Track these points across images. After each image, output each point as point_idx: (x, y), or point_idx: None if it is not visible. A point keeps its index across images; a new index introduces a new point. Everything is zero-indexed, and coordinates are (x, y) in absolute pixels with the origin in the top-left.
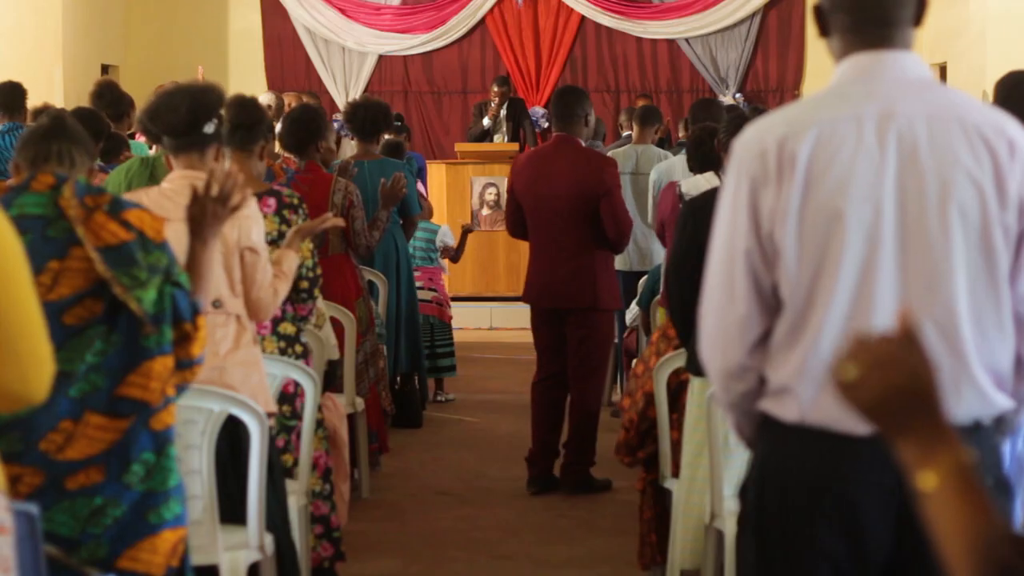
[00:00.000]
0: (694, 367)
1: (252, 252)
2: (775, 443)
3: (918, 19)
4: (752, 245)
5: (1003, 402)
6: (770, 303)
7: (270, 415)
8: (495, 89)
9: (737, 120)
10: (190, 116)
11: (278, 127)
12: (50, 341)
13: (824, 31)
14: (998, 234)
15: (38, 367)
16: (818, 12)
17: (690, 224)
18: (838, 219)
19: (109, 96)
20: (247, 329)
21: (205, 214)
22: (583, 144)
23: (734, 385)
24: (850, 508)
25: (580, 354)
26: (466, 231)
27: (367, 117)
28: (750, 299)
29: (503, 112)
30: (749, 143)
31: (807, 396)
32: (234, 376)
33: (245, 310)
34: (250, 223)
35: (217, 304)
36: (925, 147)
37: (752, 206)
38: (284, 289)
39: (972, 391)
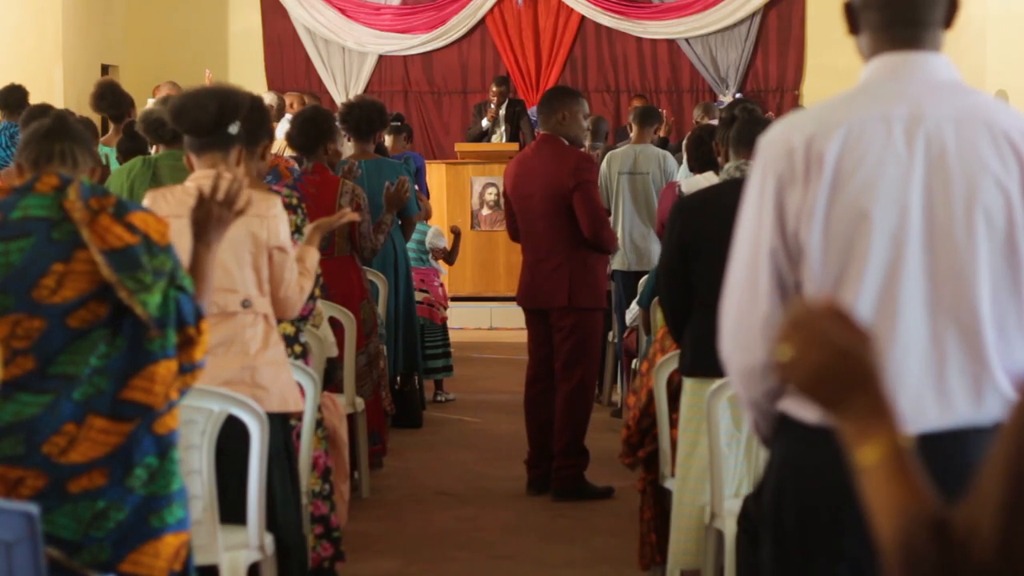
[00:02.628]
0: (685, 367)
1: (280, 251)
2: (795, 444)
3: (948, 21)
4: (777, 244)
5: None
6: None
7: (295, 415)
8: (494, 89)
9: (731, 118)
10: (218, 115)
11: (279, 127)
12: (54, 342)
13: (854, 29)
14: (1023, 239)
15: None
16: (848, 9)
17: (677, 224)
18: (864, 220)
19: (111, 97)
20: (274, 328)
21: (210, 217)
22: (565, 144)
23: (755, 384)
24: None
25: (561, 354)
26: (456, 233)
27: (362, 117)
28: (773, 298)
29: (502, 112)
30: (776, 141)
31: None
32: (265, 375)
33: (272, 309)
34: (278, 222)
35: (246, 304)
36: (953, 150)
37: (778, 205)
38: (309, 286)
39: (994, 394)
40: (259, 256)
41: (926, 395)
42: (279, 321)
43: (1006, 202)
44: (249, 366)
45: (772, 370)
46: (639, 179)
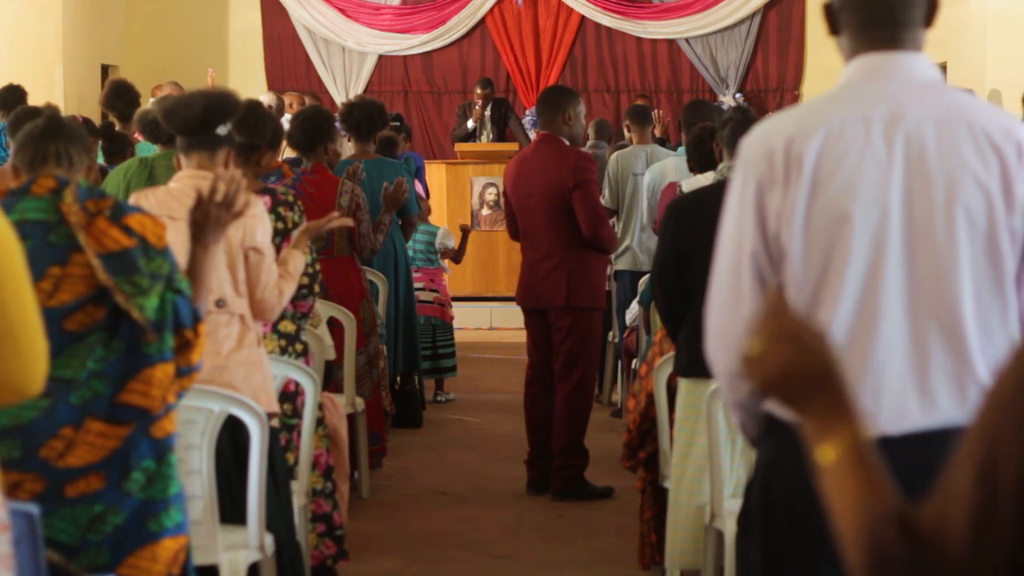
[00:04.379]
0: (680, 368)
1: (256, 252)
2: (780, 443)
3: (928, 20)
4: (758, 246)
5: None
6: None
7: (272, 415)
8: (478, 91)
9: (729, 120)
10: (205, 114)
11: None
12: (50, 346)
13: (834, 29)
14: (1005, 238)
15: (36, 361)
16: (828, 10)
17: (671, 226)
18: (845, 221)
19: (127, 96)
20: (251, 329)
21: (208, 218)
22: (565, 143)
23: (739, 385)
24: None
25: (560, 354)
26: (465, 231)
27: (362, 116)
28: (756, 300)
29: (487, 113)
30: (756, 144)
31: None
32: (236, 375)
33: (249, 310)
34: (255, 223)
35: (221, 304)
36: (933, 150)
37: (759, 207)
38: (290, 290)
39: (977, 393)
40: (234, 256)
41: (909, 395)
42: (279, 320)
43: (987, 201)
44: (220, 366)
45: (742, 365)
46: None
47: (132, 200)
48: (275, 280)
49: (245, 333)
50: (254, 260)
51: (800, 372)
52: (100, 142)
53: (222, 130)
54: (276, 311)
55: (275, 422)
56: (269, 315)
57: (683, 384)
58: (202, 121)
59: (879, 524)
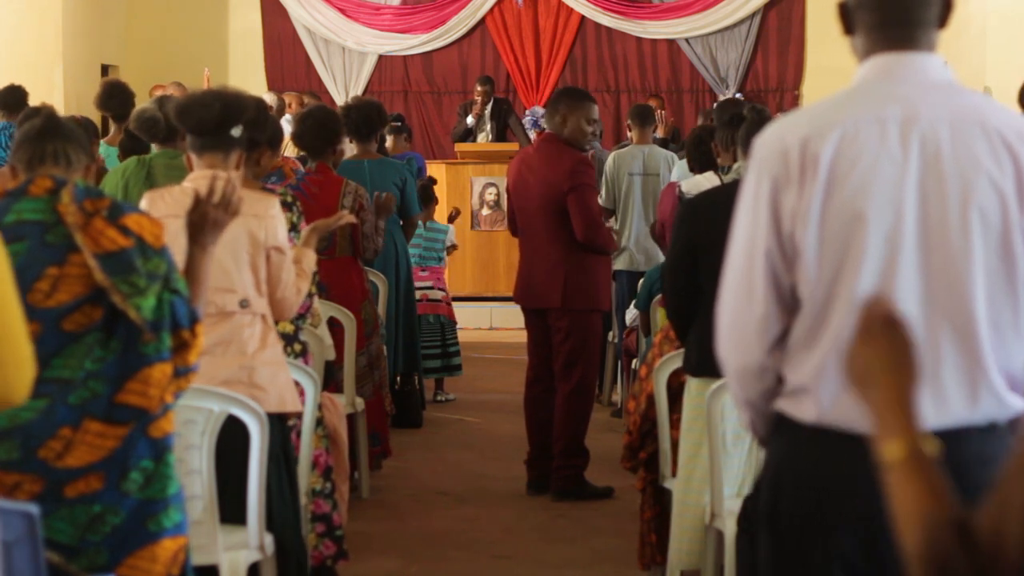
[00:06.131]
0: (690, 367)
1: (278, 252)
2: (791, 443)
3: (943, 21)
4: (772, 245)
5: (1018, 404)
6: (789, 303)
7: (293, 415)
8: (478, 88)
9: (734, 119)
10: (222, 115)
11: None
12: (48, 346)
13: (848, 29)
14: (1018, 238)
15: (18, 370)
16: (843, 9)
17: (686, 225)
18: (859, 221)
19: (121, 96)
20: (272, 329)
21: (206, 220)
22: (564, 145)
23: (752, 384)
24: (866, 510)
25: (560, 355)
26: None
27: (360, 117)
28: (769, 299)
29: (487, 112)
30: (770, 142)
31: (826, 396)
32: (263, 376)
33: (269, 309)
34: (275, 223)
35: (244, 304)
36: (947, 151)
37: (773, 206)
38: (306, 287)
39: (988, 393)
40: (257, 256)
41: (922, 395)
42: (278, 321)
43: (1001, 202)
44: (247, 366)
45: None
46: (650, 180)
47: (146, 200)
48: (294, 279)
49: (267, 333)
50: (276, 259)
51: (886, 369)
52: (120, 140)
53: (236, 131)
54: (294, 310)
55: (292, 421)
56: (288, 313)
57: (692, 383)
58: (219, 122)
59: (939, 531)
